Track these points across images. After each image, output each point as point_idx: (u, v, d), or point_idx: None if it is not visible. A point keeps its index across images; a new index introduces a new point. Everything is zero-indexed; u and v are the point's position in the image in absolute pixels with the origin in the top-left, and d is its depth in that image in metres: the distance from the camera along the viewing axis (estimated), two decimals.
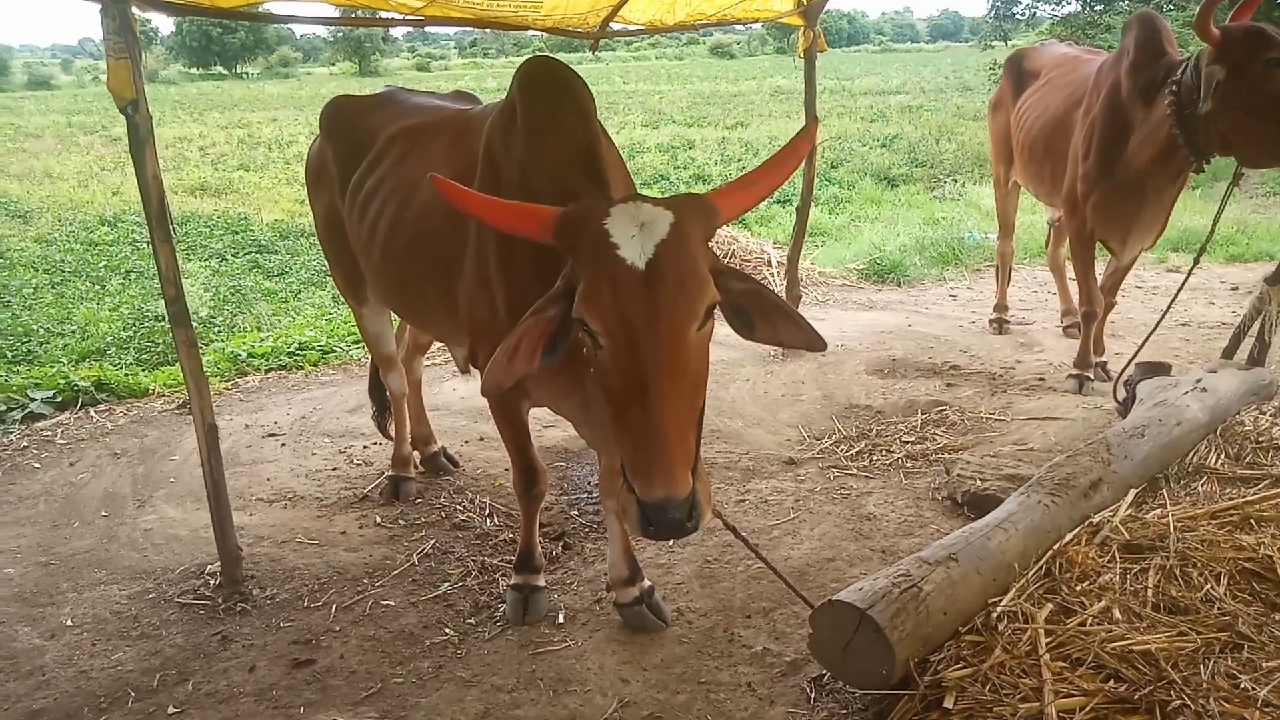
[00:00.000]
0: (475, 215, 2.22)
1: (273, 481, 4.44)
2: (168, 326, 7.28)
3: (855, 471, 4.22)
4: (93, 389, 5.59)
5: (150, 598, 3.48)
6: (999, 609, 2.60)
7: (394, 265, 3.17)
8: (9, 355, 6.56)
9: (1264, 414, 3.98)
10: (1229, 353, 4.51)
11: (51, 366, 5.97)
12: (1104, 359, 5.25)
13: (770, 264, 7.76)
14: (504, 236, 2.52)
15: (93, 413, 5.39)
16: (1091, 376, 5.05)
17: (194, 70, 59.80)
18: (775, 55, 63.78)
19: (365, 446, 4.81)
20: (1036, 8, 24.31)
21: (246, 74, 59.08)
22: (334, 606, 3.32)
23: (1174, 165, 4.14)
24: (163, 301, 3.30)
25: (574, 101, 2.63)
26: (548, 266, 2.44)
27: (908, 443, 4.53)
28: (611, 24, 4.46)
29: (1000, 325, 6.21)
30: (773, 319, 2.16)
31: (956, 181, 14.33)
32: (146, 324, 7.43)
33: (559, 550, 3.67)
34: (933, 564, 2.60)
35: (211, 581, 3.54)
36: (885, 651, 2.38)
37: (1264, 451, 3.64)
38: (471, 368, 3.08)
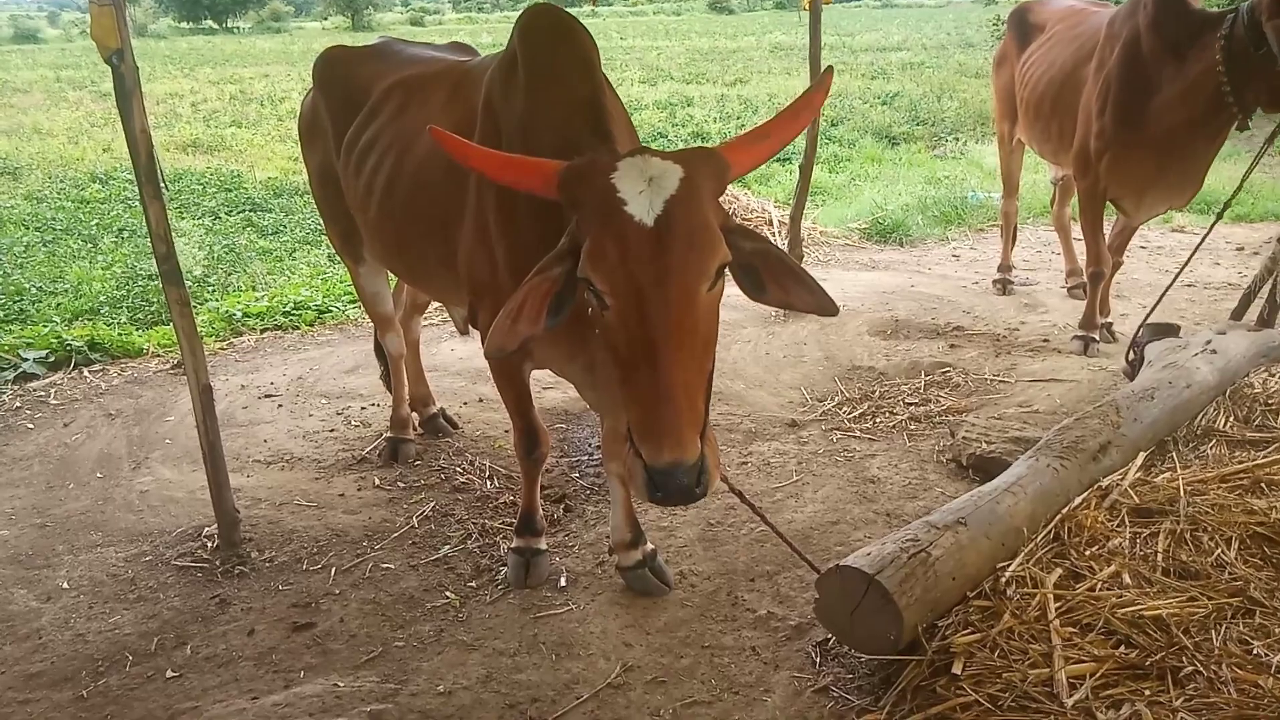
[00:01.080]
0: (476, 170, 2.15)
1: (269, 443, 4.39)
2: (160, 285, 7.41)
3: (858, 434, 4.17)
4: (86, 349, 5.51)
5: (147, 560, 3.45)
6: (1008, 574, 2.57)
7: (391, 222, 3.09)
8: (1, 315, 6.47)
9: (1274, 376, 3.93)
10: (1238, 314, 4.45)
11: (44, 326, 5.88)
12: (1109, 320, 5.19)
13: (771, 223, 7.66)
14: (505, 191, 2.44)
15: (86, 373, 5.32)
16: (1097, 338, 5.00)
17: (184, 24, 58.69)
18: (775, 10, 62.76)
19: (363, 408, 4.75)
20: None
21: (237, 28, 58.00)
22: (333, 569, 3.29)
23: (1217, 122, 4.03)
24: (154, 260, 3.21)
25: (577, 51, 2.54)
26: (551, 222, 2.37)
27: (911, 404, 4.48)
28: None
29: (1004, 286, 6.14)
30: (783, 281, 2.09)
31: (958, 140, 14.13)
32: (140, 283, 7.31)
33: (560, 513, 3.64)
34: (941, 528, 2.57)
35: (209, 544, 3.50)
36: (893, 617, 2.35)
37: (1273, 414, 3.60)
38: (471, 328, 3.01)
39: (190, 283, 7.54)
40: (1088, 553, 2.69)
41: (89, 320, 6.25)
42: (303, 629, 2.97)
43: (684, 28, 44.52)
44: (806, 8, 5.20)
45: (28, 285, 7.26)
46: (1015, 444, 3.66)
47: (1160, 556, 2.66)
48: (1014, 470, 2.94)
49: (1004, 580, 2.56)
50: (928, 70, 21.44)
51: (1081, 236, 4.97)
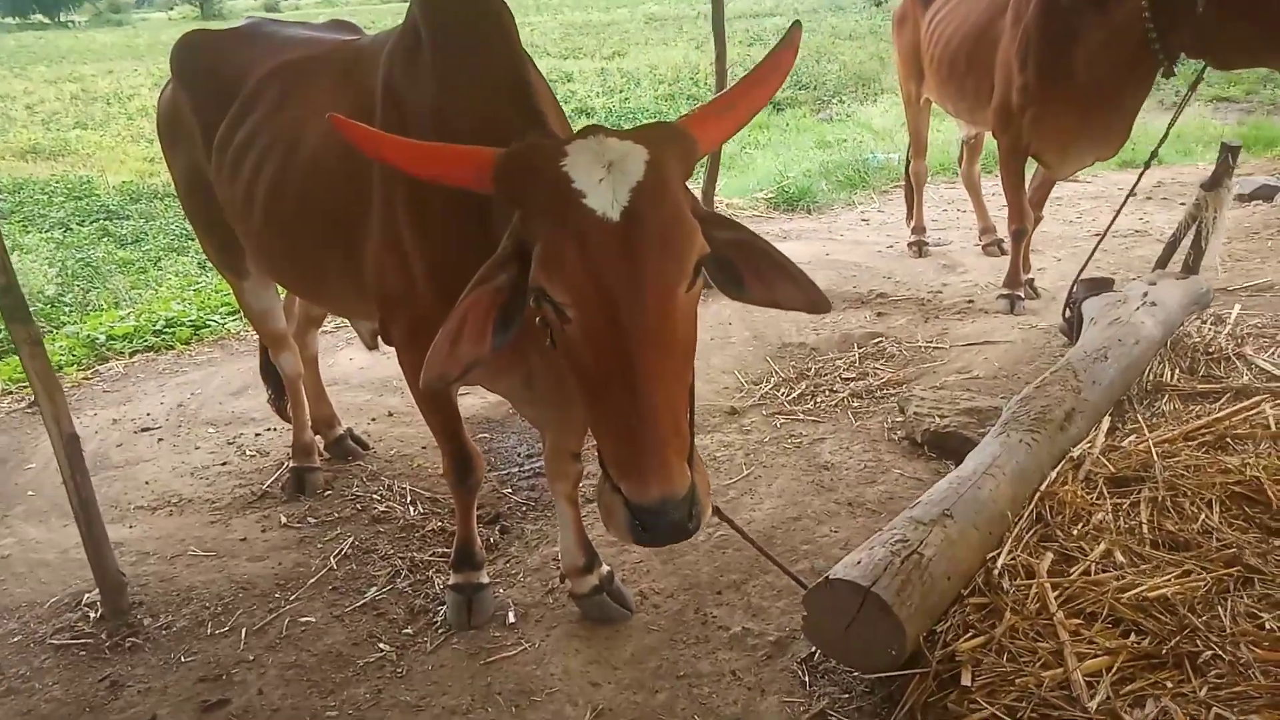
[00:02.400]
0: (390, 163, 1.76)
1: (153, 484, 3.88)
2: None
3: (802, 416, 3.97)
4: None
5: (15, 641, 2.95)
6: (999, 565, 2.40)
7: (279, 231, 2.67)
8: None
9: (1205, 324, 3.91)
10: (1162, 263, 4.43)
11: None
12: (1031, 275, 5.14)
13: None
14: (417, 185, 2.08)
15: None
16: (1022, 295, 4.94)
17: (10, 20, 54.26)
18: None
19: (257, 434, 4.28)
20: None
21: (72, 22, 54.03)
22: (244, 630, 2.87)
23: (1142, 69, 3.93)
24: None
25: (491, 19, 2.18)
26: (474, 218, 2.03)
27: (849, 380, 4.31)
28: None
29: (920, 248, 6.06)
30: (766, 275, 1.78)
31: (843, 102, 14.24)
32: None
33: (496, 536, 3.30)
34: (928, 524, 2.36)
35: (91, 614, 3.03)
36: (893, 629, 2.13)
37: (1215, 363, 3.56)
38: (384, 344, 2.62)
39: (42, 303, 6.82)
40: (1074, 532, 2.54)
41: None
42: (215, 709, 2.56)
43: (555, 2, 43.69)
44: None
45: None
46: (968, 415, 3.52)
47: (1146, 528, 2.53)
48: (986, 449, 2.77)
49: (996, 573, 2.38)
50: (804, 35, 21.53)
51: (994, 193, 4.88)
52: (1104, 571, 2.36)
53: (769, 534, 3.09)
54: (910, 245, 6.11)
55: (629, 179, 1.58)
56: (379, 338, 2.65)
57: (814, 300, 1.80)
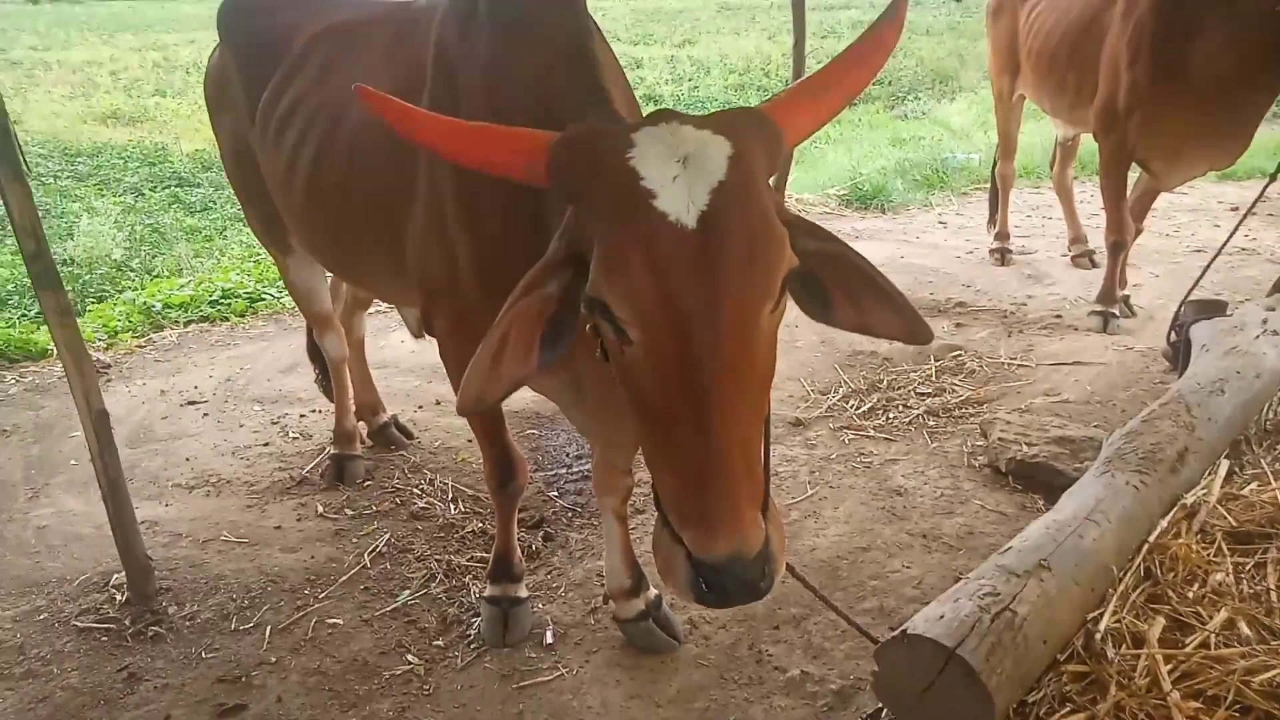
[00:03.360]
0: (427, 146, 1.54)
1: (193, 462, 3.76)
2: (75, 273, 6.64)
3: (872, 433, 3.69)
4: None
5: (41, 619, 2.84)
6: (1102, 627, 2.10)
7: (321, 208, 2.49)
8: None
9: None
10: None
11: None
12: (1127, 293, 4.77)
13: None
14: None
15: None
16: (1117, 313, 4.57)
17: None
18: None
19: (302, 415, 4.14)
20: None
21: None
22: (268, 628, 2.72)
23: (1272, 70, 3.53)
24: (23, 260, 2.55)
25: None
26: (527, 206, 1.81)
27: (925, 395, 4.01)
28: None
29: (1003, 255, 5.69)
30: (859, 296, 1.53)
31: (918, 99, 13.79)
32: (57, 269, 6.60)
33: (539, 543, 3.10)
34: (1021, 575, 2.08)
35: (118, 596, 2.91)
36: (979, 699, 1.87)
37: None
38: (428, 335, 2.42)
39: (109, 266, 6.84)
40: (1189, 593, 2.23)
41: (12, 315, 5.51)
42: (230, 714, 2.40)
43: None
44: None
45: None
46: (1059, 445, 3.22)
47: (1276, 596, 2.21)
48: (1087, 490, 2.47)
49: (1099, 637, 2.09)
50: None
51: (1085, 201, 4.50)
52: (1226, 646, 2.05)
53: (834, 565, 2.83)
54: (992, 252, 5.75)
55: (708, 176, 1.34)
56: (423, 328, 2.45)
57: (914, 330, 1.54)
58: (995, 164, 5.77)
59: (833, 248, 1.53)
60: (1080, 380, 4.00)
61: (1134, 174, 4.51)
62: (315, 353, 3.77)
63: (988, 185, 7.35)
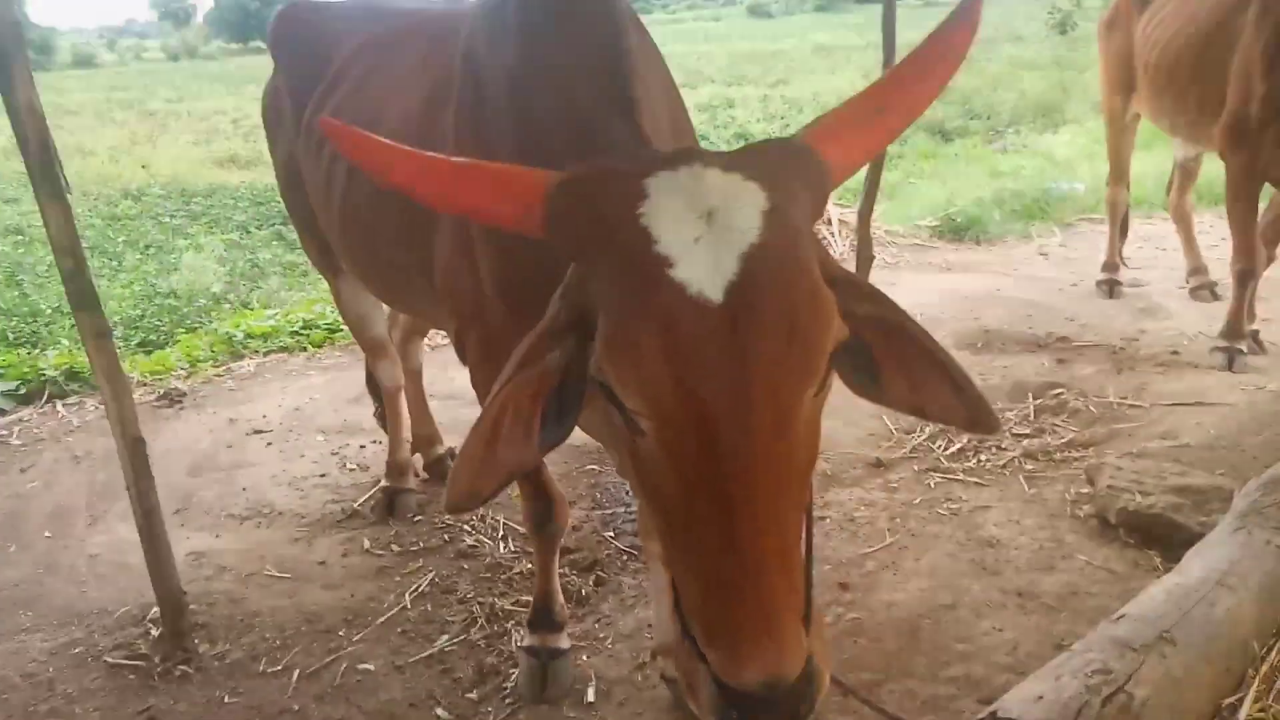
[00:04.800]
0: (404, 189, 1.31)
1: (249, 492, 3.69)
2: (174, 305, 6.86)
3: (961, 476, 3.35)
4: (62, 379, 4.89)
5: (76, 652, 2.77)
6: (1240, 716, 1.74)
7: (356, 223, 2.36)
8: (10, 337, 5.94)
9: None
10: None
11: (20, 351, 5.31)
12: (1256, 327, 4.28)
13: (830, 222, 6.85)
14: None
15: (60, 407, 4.69)
16: (1244, 349, 4.10)
17: (233, 45, 59.51)
18: (815, 13, 61.77)
19: (363, 446, 4.05)
20: None
21: None
22: (296, 672, 2.57)
23: None
24: (61, 280, 2.50)
25: None
26: None
27: (1022, 437, 3.64)
28: None
29: (1112, 287, 5.24)
30: (915, 370, 1.27)
31: (1018, 132, 13.26)
32: (157, 301, 6.88)
33: (590, 587, 2.88)
34: (1139, 649, 1.76)
35: (153, 631, 2.81)
36: None
37: None
38: (461, 363, 2.25)
39: (207, 300, 7.04)
40: None
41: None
42: None
43: (723, 32, 43.69)
44: None
45: (45, 306, 6.78)
46: (1179, 495, 2.83)
47: None
48: (1218, 549, 2.11)
49: None
50: (978, 64, 20.34)
51: (1204, 231, 4.08)
52: None
53: (914, 625, 2.51)
54: (1100, 284, 5.31)
55: (738, 237, 1.10)
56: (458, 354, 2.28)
57: (977, 416, 1.26)
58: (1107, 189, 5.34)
59: (888, 314, 1.27)
60: (1203, 423, 3.57)
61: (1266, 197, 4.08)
62: (374, 384, 3.67)
63: (1094, 216, 6.93)
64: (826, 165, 1.22)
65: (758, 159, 1.20)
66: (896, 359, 1.27)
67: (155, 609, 2.87)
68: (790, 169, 1.20)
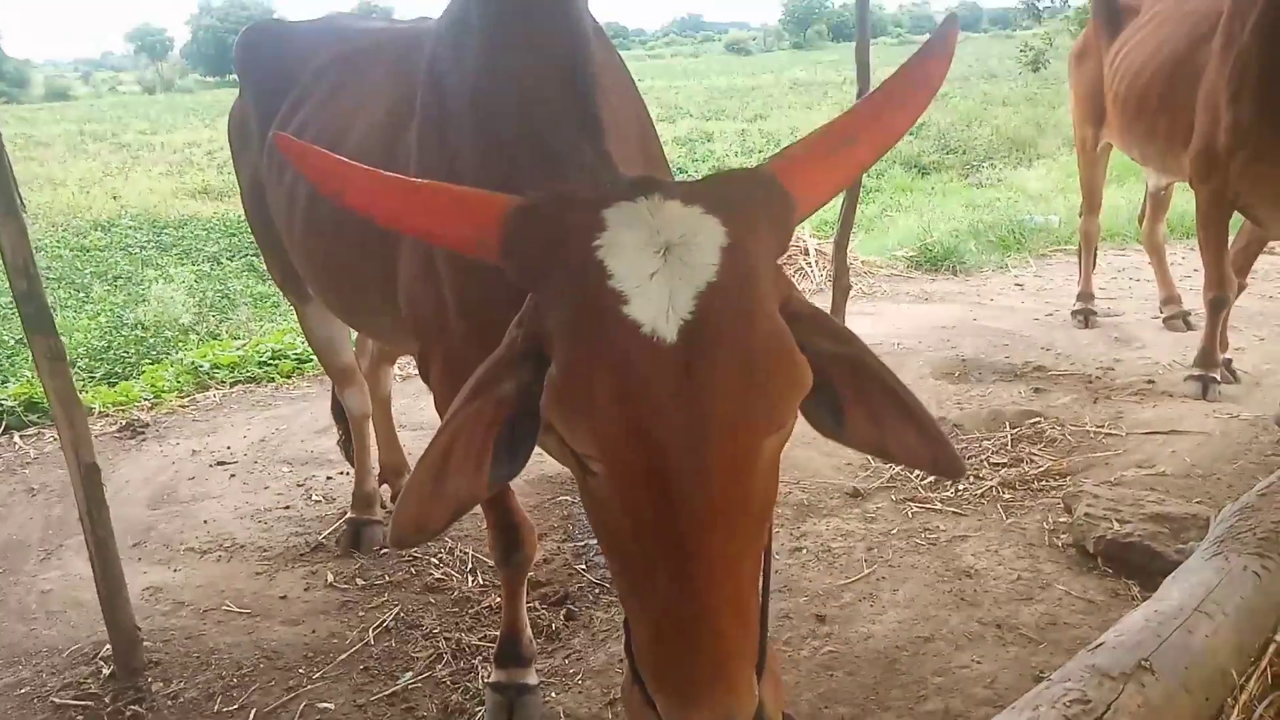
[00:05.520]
0: (358, 209, 1.25)
1: (210, 525, 3.58)
2: (141, 336, 6.74)
3: (939, 506, 3.30)
4: (20, 410, 4.77)
5: (23, 693, 2.64)
6: None
7: (319, 241, 2.31)
8: None
9: None
10: None
11: None
12: (1229, 356, 4.30)
13: (808, 252, 6.87)
14: None
15: (17, 438, 4.57)
16: (1218, 377, 4.10)
17: (209, 79, 59.58)
18: (792, 50, 62.82)
19: (329, 477, 3.95)
20: None
21: None
22: (253, 711, 2.46)
23: None
24: (14, 300, 2.42)
25: None
26: None
27: (999, 465, 3.61)
28: None
29: (1086, 317, 5.26)
30: (879, 411, 1.23)
31: (994, 167, 13.47)
32: (124, 332, 6.78)
33: (560, 622, 2.79)
34: (1117, 677, 1.70)
35: (104, 669, 2.69)
36: None
37: None
38: (425, 384, 2.19)
39: (176, 331, 6.92)
40: None
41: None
42: None
43: (702, 68, 44.30)
44: None
45: (7, 336, 6.65)
46: (1156, 523, 2.79)
47: None
48: (1195, 575, 2.07)
49: None
50: (954, 100, 20.75)
51: (1178, 261, 4.09)
52: None
53: (891, 657, 2.45)
54: (1075, 314, 5.32)
55: (695, 275, 1.06)
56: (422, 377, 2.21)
57: (941, 459, 1.22)
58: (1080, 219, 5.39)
59: (853, 353, 1.22)
60: (1178, 451, 3.55)
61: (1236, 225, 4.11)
62: (339, 412, 3.59)
63: (1069, 247, 6.98)
64: (792, 198, 1.18)
65: (720, 191, 1.16)
66: (860, 398, 1.23)
67: (107, 646, 2.76)
68: (754, 201, 1.16)
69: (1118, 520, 2.82)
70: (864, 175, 11.14)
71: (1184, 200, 6.37)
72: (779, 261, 1.20)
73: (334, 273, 2.34)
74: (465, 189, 1.25)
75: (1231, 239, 4.07)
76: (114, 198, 14.13)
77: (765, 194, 1.17)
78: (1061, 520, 3.05)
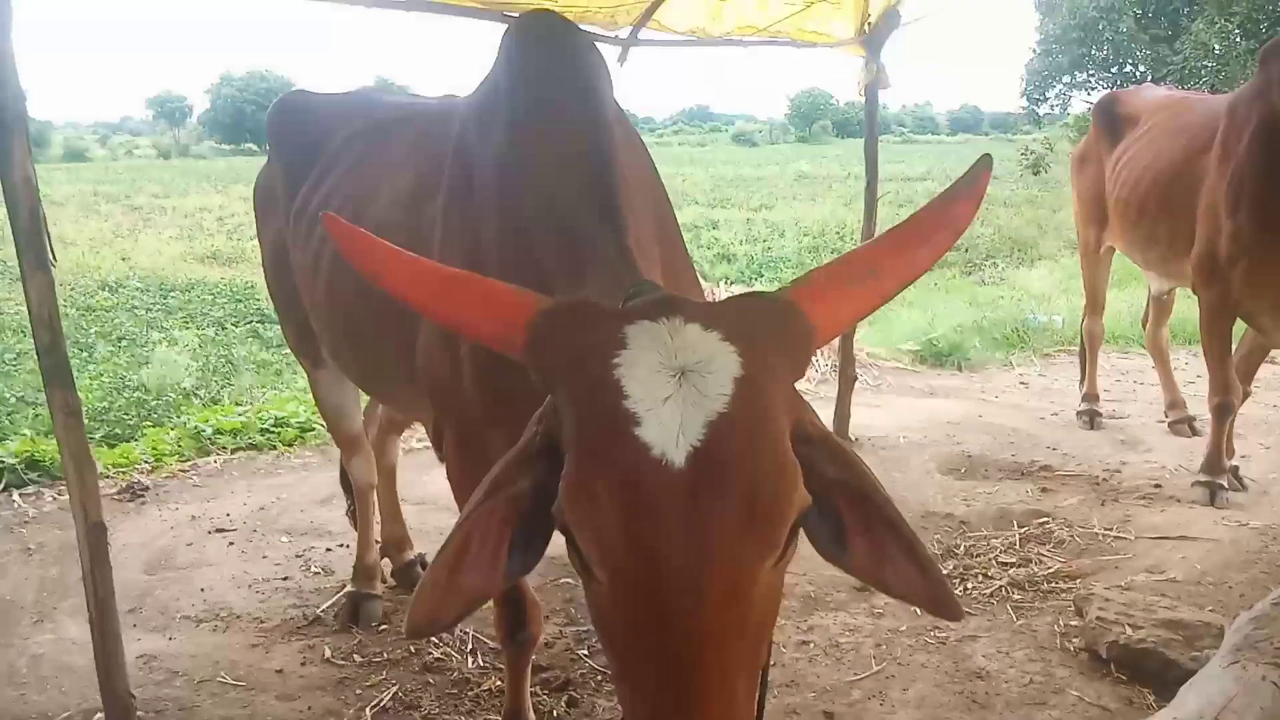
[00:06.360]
0: (394, 294, 1.31)
1: (207, 593, 3.53)
2: (142, 398, 6.73)
3: None
4: (21, 467, 4.73)
5: None
6: None
7: (343, 310, 2.34)
8: None
9: None
10: None
11: None
12: (1235, 463, 4.30)
13: None
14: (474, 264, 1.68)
15: (15, 496, 4.52)
16: (1225, 484, 4.10)
17: (225, 146, 60.90)
18: (797, 144, 64.40)
19: (329, 549, 3.91)
20: (1070, 94, 23.90)
21: None
22: None
23: None
24: (36, 353, 2.43)
25: (578, 76, 1.81)
26: None
27: (1008, 565, 3.58)
28: (645, 30, 3.71)
29: (1092, 419, 5.28)
30: (881, 543, 1.22)
31: (996, 265, 13.68)
32: (126, 393, 6.74)
33: (562, 709, 2.73)
34: None
35: None
36: None
37: None
38: (438, 456, 2.20)
39: (177, 395, 6.92)
40: None
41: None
42: None
43: (708, 157, 45.34)
44: (862, 94, 4.59)
45: (8, 395, 6.63)
46: (1169, 630, 2.76)
47: None
48: (1214, 684, 2.04)
49: None
50: None
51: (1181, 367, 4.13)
52: None
53: None
54: (1080, 414, 5.35)
55: (708, 403, 1.10)
56: (434, 445, 2.22)
57: (938, 600, 1.21)
58: (1083, 320, 5.45)
59: (861, 484, 1.23)
60: (1188, 557, 3.53)
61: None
62: (348, 482, 3.58)
63: (1072, 348, 7.04)
64: (811, 326, 1.21)
65: (740, 316, 1.19)
66: (863, 527, 1.23)
67: (99, 715, 2.70)
68: (773, 328, 1.19)
69: (1130, 625, 2.78)
70: None
71: (1186, 306, 6.48)
72: None
73: (354, 338, 2.37)
74: (497, 284, 1.29)
75: (1234, 346, 4.12)
76: (123, 259, 14.32)
77: (784, 321, 1.21)
78: (1073, 623, 3.01)
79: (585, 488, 1.10)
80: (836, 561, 1.24)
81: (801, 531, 1.17)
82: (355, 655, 3.04)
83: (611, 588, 1.09)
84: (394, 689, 2.83)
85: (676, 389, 1.10)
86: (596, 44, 2.00)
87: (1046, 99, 25.09)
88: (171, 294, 11.61)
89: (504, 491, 1.20)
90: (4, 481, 4.62)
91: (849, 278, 1.26)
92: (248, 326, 9.76)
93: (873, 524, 1.22)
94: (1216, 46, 20.31)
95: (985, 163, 1.33)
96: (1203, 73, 20.07)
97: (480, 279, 1.29)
